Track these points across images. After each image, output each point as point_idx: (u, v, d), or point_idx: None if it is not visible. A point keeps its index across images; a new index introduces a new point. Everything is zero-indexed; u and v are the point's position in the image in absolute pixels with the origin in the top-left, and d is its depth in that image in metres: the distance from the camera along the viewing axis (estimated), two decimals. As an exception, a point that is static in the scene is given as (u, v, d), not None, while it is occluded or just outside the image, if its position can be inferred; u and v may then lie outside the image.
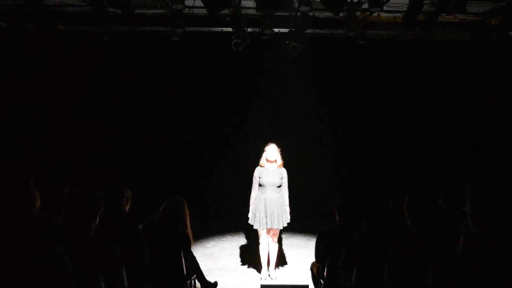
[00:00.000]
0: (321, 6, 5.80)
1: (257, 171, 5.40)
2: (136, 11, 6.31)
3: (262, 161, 5.41)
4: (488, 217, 1.71)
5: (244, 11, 6.61)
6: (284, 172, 5.38)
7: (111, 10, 6.14)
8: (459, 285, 1.67)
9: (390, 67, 8.32)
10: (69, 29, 7.01)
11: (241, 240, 7.19)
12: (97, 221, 2.75)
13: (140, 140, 8.28)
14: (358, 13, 6.41)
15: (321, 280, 4.08)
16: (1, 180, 1.98)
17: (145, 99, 8.32)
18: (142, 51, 7.96)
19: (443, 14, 6.10)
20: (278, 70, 8.18)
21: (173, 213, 4.12)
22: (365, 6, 6.15)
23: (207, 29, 7.16)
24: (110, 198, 3.59)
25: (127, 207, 3.82)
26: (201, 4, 5.63)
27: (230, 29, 6.68)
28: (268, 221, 5.22)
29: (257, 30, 6.89)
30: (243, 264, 6.04)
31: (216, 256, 6.35)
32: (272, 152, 5.36)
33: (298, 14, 6.26)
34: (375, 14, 6.56)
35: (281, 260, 6.01)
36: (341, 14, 5.88)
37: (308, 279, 4.68)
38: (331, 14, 5.79)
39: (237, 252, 6.58)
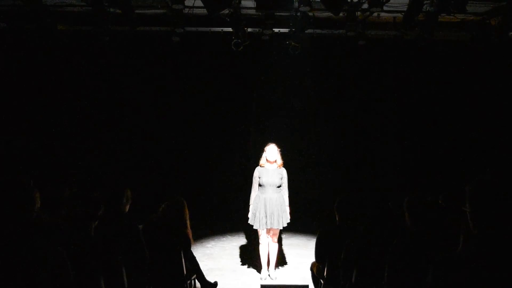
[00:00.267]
0: (321, 6, 5.79)
1: (257, 171, 5.40)
2: (136, 11, 6.30)
3: (262, 161, 5.42)
4: (488, 217, 1.71)
5: (244, 11, 6.60)
6: (284, 172, 5.39)
7: (111, 10, 6.14)
8: (459, 285, 1.67)
9: (390, 67, 8.32)
10: (69, 29, 7.01)
11: (241, 240, 7.19)
12: (97, 221, 2.75)
13: (140, 140, 8.28)
14: (358, 13, 6.40)
15: (321, 280, 4.08)
16: (1, 180, 1.98)
17: (145, 99, 8.33)
18: (142, 51, 7.96)
19: (443, 14, 6.09)
20: (278, 70, 8.17)
21: (173, 213, 4.12)
22: (365, 6, 6.14)
23: (207, 29, 7.15)
24: (110, 198, 3.60)
25: (127, 207, 3.82)
26: (201, 4, 5.63)
27: (230, 29, 6.67)
28: (268, 221, 5.23)
29: (257, 30, 6.88)
30: (243, 264, 6.04)
31: (216, 256, 6.36)
32: (272, 152, 5.36)
33: (298, 14, 6.25)
34: (375, 14, 6.54)
35: (281, 260, 6.02)
36: (341, 14, 5.88)
37: (308, 279, 4.68)
38: (331, 14, 5.79)
39: (237, 252, 6.58)
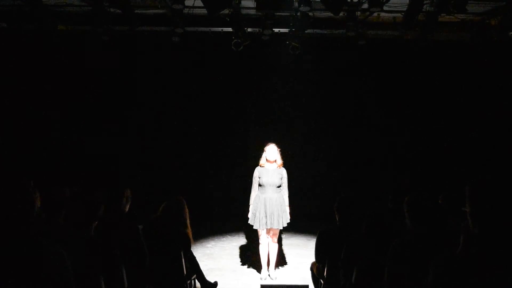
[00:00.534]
0: (321, 6, 5.80)
1: (257, 171, 5.40)
2: (136, 11, 6.31)
3: (262, 161, 5.41)
4: (488, 217, 1.71)
5: (244, 11, 6.60)
6: (284, 172, 5.39)
7: (111, 10, 6.14)
8: (459, 285, 1.67)
9: (390, 67, 8.32)
10: (69, 29, 7.01)
11: (241, 240, 7.19)
12: (97, 221, 2.75)
13: (140, 140, 8.28)
14: (358, 13, 6.41)
15: (321, 280, 4.08)
16: (1, 180, 1.98)
17: (145, 99, 8.33)
18: (142, 51, 7.96)
19: (443, 14, 6.09)
20: (278, 70, 8.18)
21: (173, 213, 4.12)
22: (365, 6, 6.15)
23: (207, 29, 7.16)
24: (110, 198, 3.59)
25: (127, 207, 3.82)
26: (201, 4, 5.63)
27: (230, 29, 6.68)
28: (268, 221, 5.23)
29: (257, 30, 6.88)
30: (243, 264, 6.04)
31: (216, 256, 6.36)
32: (271, 152, 5.36)
33: (298, 14, 6.26)
34: (375, 14, 6.55)
35: (281, 260, 6.01)
36: (341, 14, 5.87)
37: (308, 279, 4.68)
38: (331, 14, 5.79)
39: (237, 252, 6.58)
